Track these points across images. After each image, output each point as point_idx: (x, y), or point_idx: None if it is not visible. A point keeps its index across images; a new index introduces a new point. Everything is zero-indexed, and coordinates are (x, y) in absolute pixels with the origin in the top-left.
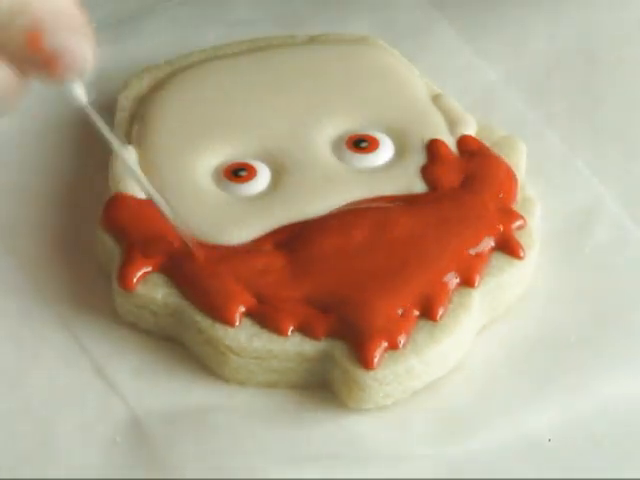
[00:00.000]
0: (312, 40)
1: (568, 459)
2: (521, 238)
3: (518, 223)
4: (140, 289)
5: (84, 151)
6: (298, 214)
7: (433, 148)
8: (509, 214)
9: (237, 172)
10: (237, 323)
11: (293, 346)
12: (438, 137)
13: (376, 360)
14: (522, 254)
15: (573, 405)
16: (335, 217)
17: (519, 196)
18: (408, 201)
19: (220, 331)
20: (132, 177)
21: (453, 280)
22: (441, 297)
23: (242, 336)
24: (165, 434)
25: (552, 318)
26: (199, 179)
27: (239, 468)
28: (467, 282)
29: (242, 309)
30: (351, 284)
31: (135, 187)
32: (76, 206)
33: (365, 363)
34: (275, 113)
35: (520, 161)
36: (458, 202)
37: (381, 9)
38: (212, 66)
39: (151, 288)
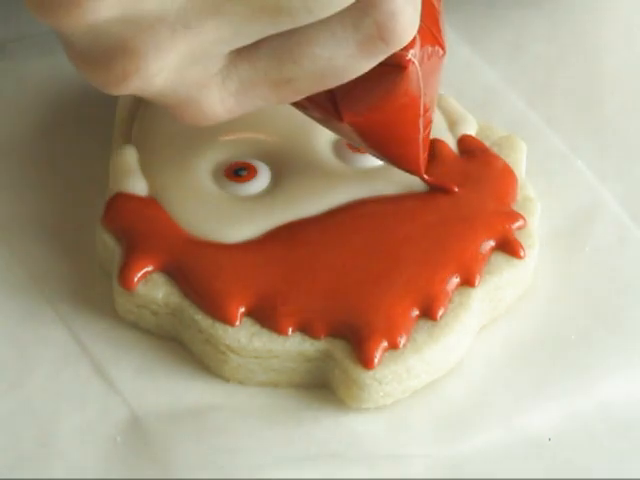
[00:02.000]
0: None
1: (568, 459)
2: (521, 238)
3: (518, 223)
4: (140, 289)
5: (84, 150)
6: (298, 213)
7: (433, 148)
8: (509, 214)
9: (237, 172)
10: (237, 323)
11: (293, 346)
12: (438, 137)
13: (376, 359)
14: (522, 254)
15: (573, 405)
16: (335, 217)
17: (519, 196)
18: (408, 201)
19: (220, 330)
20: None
21: (453, 280)
22: (441, 297)
23: (242, 336)
24: (165, 434)
25: (552, 318)
26: (199, 179)
27: (239, 468)
28: (467, 282)
29: (242, 309)
30: (351, 283)
31: (136, 186)
32: (77, 205)
33: (365, 362)
34: (275, 112)
35: (520, 161)
36: (458, 202)
37: None
38: None
39: (151, 288)
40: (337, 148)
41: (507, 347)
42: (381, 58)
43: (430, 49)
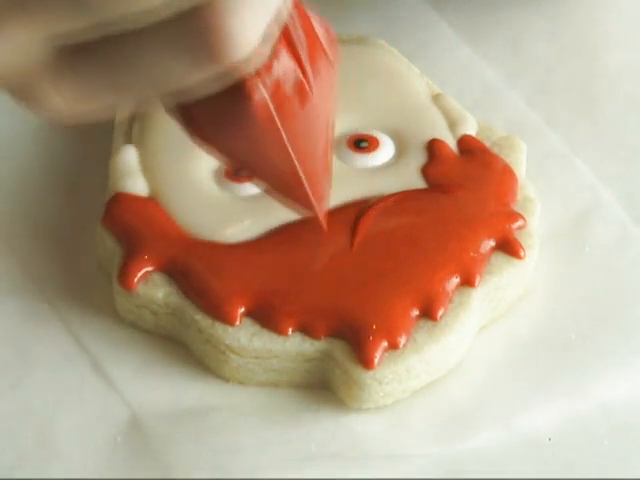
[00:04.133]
0: None
1: (568, 459)
2: (521, 238)
3: (518, 223)
4: (140, 289)
5: (84, 151)
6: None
7: (433, 148)
8: (509, 214)
9: (237, 171)
10: (237, 323)
11: (293, 346)
12: (438, 137)
13: (376, 360)
14: (522, 254)
15: (573, 405)
16: (335, 217)
17: (519, 196)
18: (408, 201)
19: (220, 330)
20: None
21: (453, 280)
22: (441, 297)
23: (242, 336)
24: (165, 434)
25: (552, 318)
26: (199, 179)
27: (239, 468)
28: (467, 282)
29: (242, 309)
30: (351, 283)
31: (136, 186)
32: (77, 205)
33: (365, 362)
34: None
35: (520, 161)
36: (458, 202)
37: (381, 8)
38: None
39: (152, 288)
40: (337, 148)
41: (507, 347)
42: (213, 70)
43: (292, 84)
